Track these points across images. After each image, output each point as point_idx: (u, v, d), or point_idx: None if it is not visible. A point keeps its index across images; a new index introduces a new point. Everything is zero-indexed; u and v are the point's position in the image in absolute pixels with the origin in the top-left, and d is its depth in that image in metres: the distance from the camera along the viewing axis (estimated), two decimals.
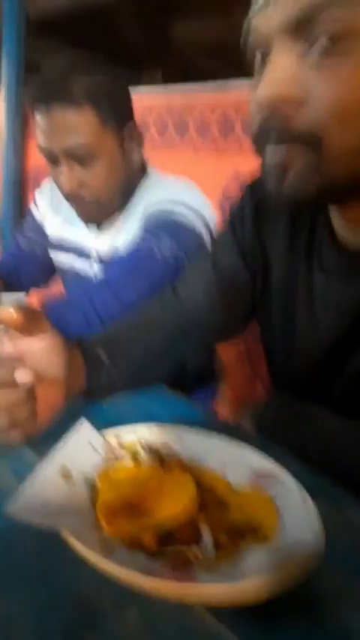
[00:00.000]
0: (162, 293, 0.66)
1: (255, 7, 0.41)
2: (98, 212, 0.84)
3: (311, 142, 0.39)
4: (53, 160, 0.80)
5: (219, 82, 1.27)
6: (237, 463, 0.43)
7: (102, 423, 0.45)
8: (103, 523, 0.33)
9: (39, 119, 0.77)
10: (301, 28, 0.38)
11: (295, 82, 0.38)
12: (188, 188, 0.86)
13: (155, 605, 0.30)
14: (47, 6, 2.72)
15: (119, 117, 0.80)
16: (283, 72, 0.38)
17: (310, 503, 0.36)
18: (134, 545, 0.32)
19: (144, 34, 3.40)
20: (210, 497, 0.39)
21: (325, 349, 0.55)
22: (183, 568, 0.31)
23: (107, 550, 0.30)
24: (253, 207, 0.61)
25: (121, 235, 0.85)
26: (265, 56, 0.41)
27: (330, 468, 0.46)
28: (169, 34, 3.31)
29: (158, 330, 0.62)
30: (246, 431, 0.54)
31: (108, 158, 0.80)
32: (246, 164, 1.21)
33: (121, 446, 0.44)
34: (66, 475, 0.37)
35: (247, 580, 0.28)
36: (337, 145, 0.39)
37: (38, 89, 0.76)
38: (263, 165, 0.44)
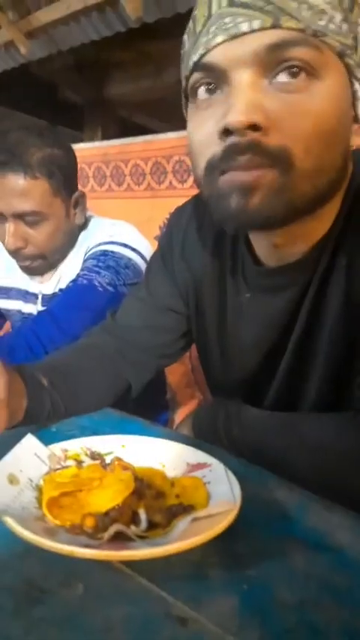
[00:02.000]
0: (103, 321, 0.71)
1: (201, 41, 0.43)
2: (40, 266, 0.89)
3: (282, 161, 0.41)
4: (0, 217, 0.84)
5: (150, 135, 1.39)
6: (175, 460, 0.47)
7: (49, 442, 0.48)
8: (48, 515, 0.37)
9: None
10: (265, 62, 0.40)
11: (263, 111, 0.41)
12: (124, 228, 0.93)
13: (99, 579, 0.33)
14: None
15: (68, 187, 0.86)
16: (251, 100, 0.40)
17: (234, 482, 0.41)
18: (76, 531, 0.36)
19: (83, 96, 3.61)
20: (150, 491, 0.43)
21: (257, 361, 0.60)
22: (121, 543, 0.35)
23: (51, 534, 0.34)
24: (180, 234, 0.66)
25: (64, 278, 0.91)
26: (213, 89, 0.44)
27: (260, 457, 0.51)
28: (106, 95, 3.53)
29: (98, 354, 0.66)
30: (184, 435, 0.59)
31: (55, 222, 0.85)
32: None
33: (67, 456, 0.47)
34: (13, 481, 0.41)
35: (174, 541, 0.33)
36: (303, 167, 0.42)
37: None
38: (217, 191, 0.45)
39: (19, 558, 0.35)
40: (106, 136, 3.39)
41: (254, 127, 0.41)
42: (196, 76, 0.45)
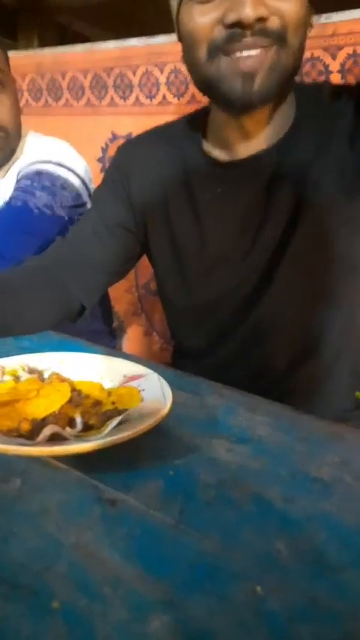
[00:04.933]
0: (52, 244, 0.71)
1: None
2: (2, 151, 0.86)
3: (281, 39, 0.52)
4: None
5: (89, 44, 1.28)
6: (112, 372, 0.50)
7: None
8: None
9: None
10: None
11: (265, 4, 0.51)
12: (60, 147, 0.89)
13: (36, 474, 0.36)
14: None
15: (8, 66, 0.86)
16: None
17: (166, 388, 0.44)
18: (13, 434, 0.38)
19: (18, 0, 3.21)
20: (87, 400, 0.45)
21: (215, 258, 0.65)
22: (57, 443, 0.37)
23: None
24: (132, 163, 0.69)
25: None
26: None
27: None
28: None
29: (44, 273, 0.67)
30: (123, 353, 0.61)
31: (12, 93, 0.84)
32: (121, 126, 1.25)
33: (4, 372, 0.48)
34: None
35: (106, 437, 0.35)
36: (293, 43, 0.54)
37: None
38: (221, 72, 0.54)
39: None
40: (43, 45, 3.08)
41: (261, 19, 0.51)
42: None
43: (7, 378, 0.48)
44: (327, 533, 0.31)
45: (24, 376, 0.48)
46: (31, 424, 0.38)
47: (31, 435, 0.38)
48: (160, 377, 0.46)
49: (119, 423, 0.38)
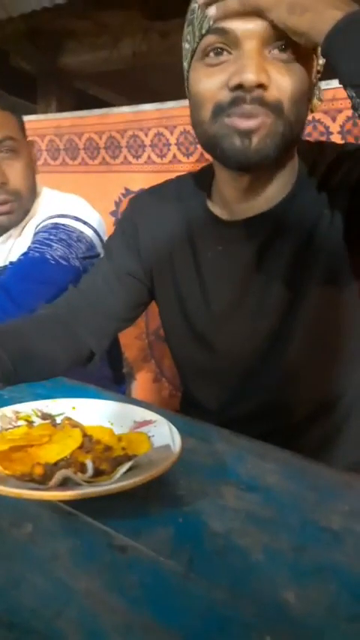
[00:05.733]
0: (64, 292, 0.74)
1: (218, 11, 0.53)
2: (13, 214, 0.90)
3: (277, 110, 0.55)
4: None
5: (104, 109, 1.38)
6: (122, 418, 0.51)
7: (1, 406, 0.50)
8: None
9: None
10: (267, 37, 0.53)
11: (267, 73, 0.54)
12: (76, 201, 0.94)
13: (47, 520, 0.36)
14: None
15: (24, 132, 0.93)
16: (260, 64, 0.53)
17: (176, 434, 0.45)
18: (26, 479, 0.38)
19: (37, 66, 3.47)
20: (98, 446, 0.46)
21: (220, 317, 0.67)
22: (69, 488, 0.38)
23: (1, 481, 0.36)
24: (143, 215, 0.73)
25: (15, 250, 0.91)
26: (221, 51, 0.55)
27: None
28: (61, 65, 3.41)
29: (54, 321, 0.69)
30: (134, 399, 0.62)
31: (26, 159, 0.90)
32: (134, 182, 1.32)
33: (18, 417, 0.50)
34: None
35: (117, 482, 0.36)
36: (289, 115, 0.56)
37: None
38: (222, 130, 0.56)
39: None
40: (61, 109, 3.29)
41: (261, 85, 0.53)
42: (210, 38, 0.55)
43: (21, 423, 0.49)
44: (337, 583, 0.31)
45: (37, 421, 0.49)
46: (44, 469, 0.39)
47: (43, 480, 0.38)
48: (170, 423, 0.47)
49: (129, 469, 0.39)
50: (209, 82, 0.56)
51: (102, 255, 0.78)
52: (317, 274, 0.61)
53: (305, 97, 0.57)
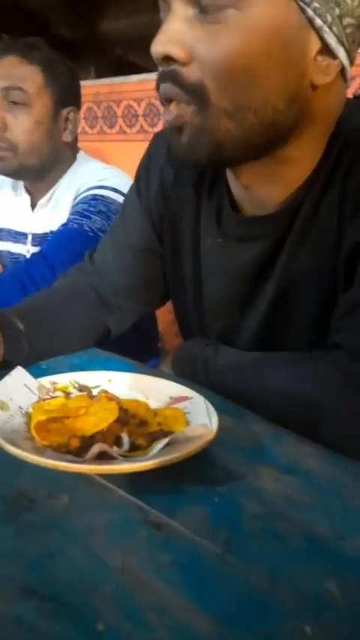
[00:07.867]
0: (81, 263, 0.70)
1: None
2: (7, 164, 0.88)
3: (197, 96, 0.41)
4: None
5: (142, 75, 1.34)
6: (158, 393, 0.50)
7: (39, 377, 0.50)
8: (36, 437, 0.39)
9: None
10: None
11: (181, 42, 0.40)
12: (115, 172, 0.92)
13: (83, 492, 0.36)
14: None
15: (62, 95, 0.89)
16: (171, 32, 0.41)
17: (212, 412, 0.43)
18: (62, 450, 0.38)
19: (76, 32, 3.41)
20: (134, 419, 0.46)
21: (228, 309, 0.60)
22: (105, 461, 0.37)
23: (39, 452, 0.36)
24: (159, 165, 0.62)
25: (54, 217, 0.91)
26: (165, 6, 0.43)
27: (234, 399, 0.52)
28: (100, 31, 3.34)
29: (77, 298, 0.66)
30: (170, 373, 0.61)
31: (38, 116, 0.87)
32: None
33: (55, 388, 0.50)
34: (3, 407, 0.43)
35: (152, 459, 0.36)
36: (220, 105, 0.41)
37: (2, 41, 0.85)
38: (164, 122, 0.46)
39: (11, 473, 0.37)
40: (100, 75, 3.24)
41: (169, 59, 0.40)
42: None
43: (58, 394, 0.49)
44: None
45: (74, 393, 0.49)
46: (80, 441, 0.39)
47: (79, 452, 0.38)
48: (206, 400, 0.46)
49: (165, 445, 0.38)
50: None
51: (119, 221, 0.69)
52: (312, 284, 0.52)
53: (257, 71, 0.40)
